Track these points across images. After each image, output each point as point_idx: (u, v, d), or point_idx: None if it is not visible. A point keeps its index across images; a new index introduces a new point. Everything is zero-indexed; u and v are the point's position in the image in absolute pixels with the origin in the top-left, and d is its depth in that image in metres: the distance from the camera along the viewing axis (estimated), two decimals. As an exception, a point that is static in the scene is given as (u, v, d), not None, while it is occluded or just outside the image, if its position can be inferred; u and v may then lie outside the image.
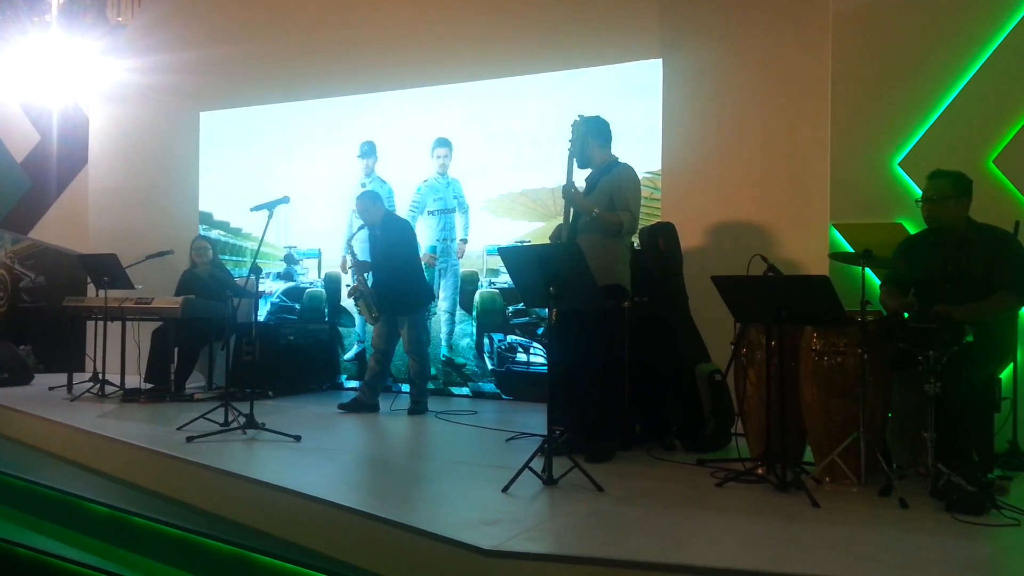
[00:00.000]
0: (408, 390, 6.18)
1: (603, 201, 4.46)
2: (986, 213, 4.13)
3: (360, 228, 6.14)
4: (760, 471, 3.92)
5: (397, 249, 5.96)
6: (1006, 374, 4.34)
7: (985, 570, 2.79)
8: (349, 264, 6.15)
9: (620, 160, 4.63)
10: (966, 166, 4.13)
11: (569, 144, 4.57)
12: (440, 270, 7.08)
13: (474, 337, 6.96)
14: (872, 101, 5.01)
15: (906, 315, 3.89)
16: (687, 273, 5.23)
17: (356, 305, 6.18)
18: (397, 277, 5.93)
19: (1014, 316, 4.18)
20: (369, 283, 6.07)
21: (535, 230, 6.67)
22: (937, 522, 3.26)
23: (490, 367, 6.88)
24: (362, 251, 6.25)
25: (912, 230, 4.65)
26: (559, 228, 4.73)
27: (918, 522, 3.27)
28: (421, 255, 7.06)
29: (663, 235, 5.21)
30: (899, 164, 4.90)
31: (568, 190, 4.46)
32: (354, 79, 7.53)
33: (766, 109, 5.83)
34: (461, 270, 7.05)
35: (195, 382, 6.93)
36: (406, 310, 5.92)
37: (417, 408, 5.99)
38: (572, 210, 4.54)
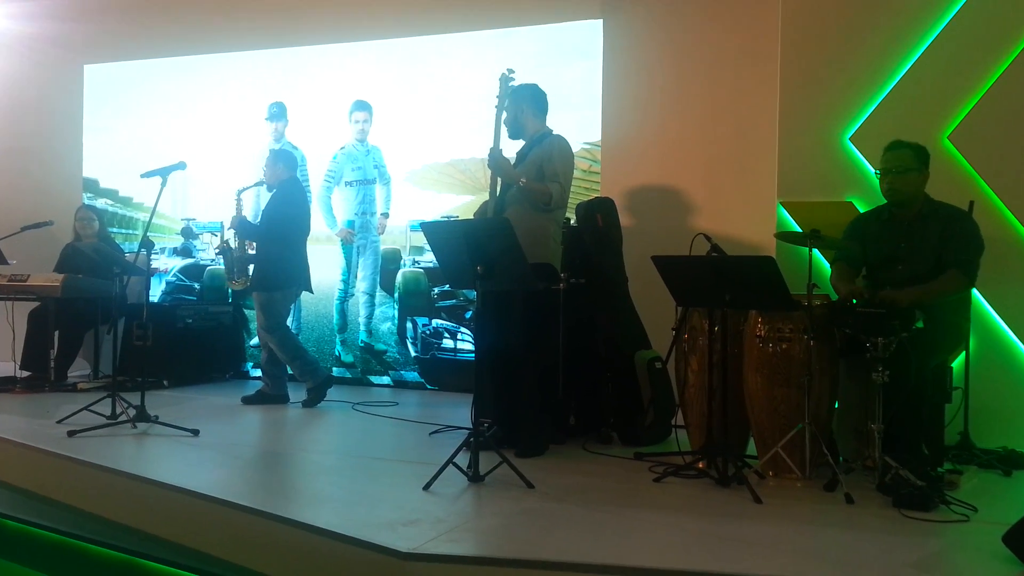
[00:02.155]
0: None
1: (532, 172, 4.48)
2: (940, 192, 4.27)
3: (256, 184, 6.08)
4: (701, 465, 4.01)
5: (277, 217, 5.85)
6: (957, 363, 4.50)
7: (932, 568, 2.90)
8: (232, 217, 6.04)
9: (554, 132, 4.65)
10: (920, 142, 4.25)
11: (497, 101, 4.56)
12: (359, 247, 7.02)
13: (396, 321, 6.93)
14: (822, 71, 5.12)
15: (854, 300, 4.01)
16: (627, 252, 5.29)
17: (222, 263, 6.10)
18: (265, 247, 5.85)
19: (966, 301, 4.34)
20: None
21: (463, 204, 6.67)
22: (884, 518, 3.37)
23: (413, 354, 6.87)
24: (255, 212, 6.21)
25: (862, 209, 4.78)
26: (484, 205, 4.74)
27: (864, 519, 3.38)
28: (337, 230, 7.03)
29: (601, 211, 5.26)
30: (850, 139, 5.02)
31: (495, 155, 4.46)
32: (262, 32, 7.38)
33: (713, 77, 5.92)
34: (382, 247, 7.00)
35: (78, 370, 6.77)
36: (262, 286, 5.80)
37: (314, 395, 5.86)
38: (499, 181, 4.55)
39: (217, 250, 6.04)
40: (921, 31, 4.91)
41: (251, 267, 5.99)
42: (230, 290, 7.43)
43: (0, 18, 8.37)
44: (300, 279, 5.93)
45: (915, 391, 3.78)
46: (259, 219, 6.14)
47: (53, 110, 8.28)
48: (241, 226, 5.94)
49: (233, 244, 5.95)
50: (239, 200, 6.01)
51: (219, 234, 5.99)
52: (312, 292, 6.17)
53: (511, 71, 4.60)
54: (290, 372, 5.99)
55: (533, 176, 4.46)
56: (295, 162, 6.12)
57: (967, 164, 4.79)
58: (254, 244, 6.03)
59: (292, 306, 6.18)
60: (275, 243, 5.81)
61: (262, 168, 6.01)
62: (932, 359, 4.00)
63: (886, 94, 4.97)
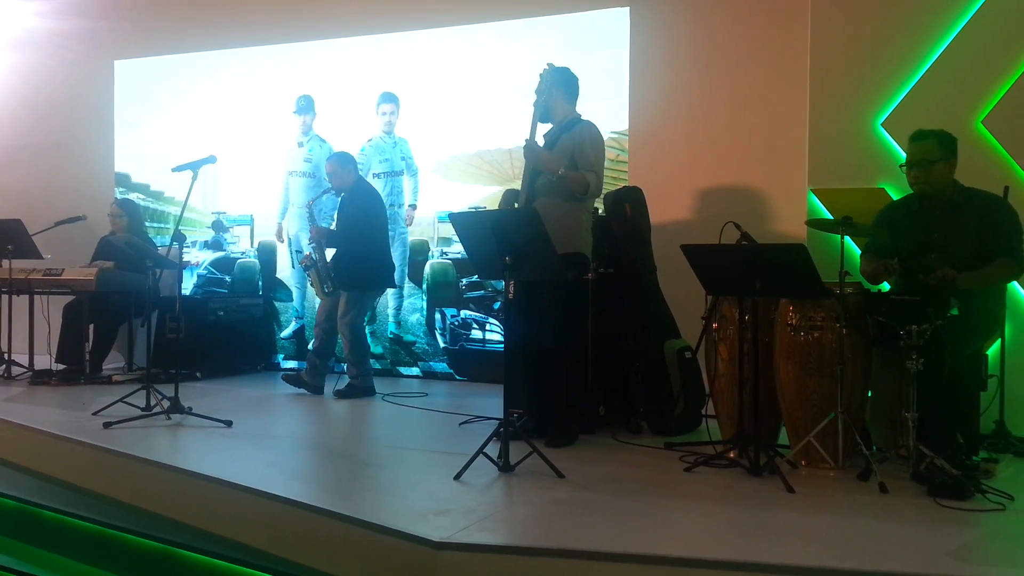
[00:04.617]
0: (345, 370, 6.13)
1: (564, 160, 4.46)
2: (975, 177, 4.20)
3: (324, 192, 6.23)
4: (732, 455, 3.99)
5: (359, 218, 5.91)
6: (993, 350, 4.44)
7: (967, 557, 2.87)
8: (311, 230, 6.15)
9: (583, 118, 4.63)
10: (953, 127, 4.18)
11: (536, 95, 4.55)
12: (386, 238, 7.04)
13: (424, 312, 6.95)
14: (854, 56, 5.06)
15: (886, 286, 3.96)
16: (656, 241, 5.27)
17: (307, 276, 6.18)
18: (353, 248, 5.89)
19: (1002, 288, 4.28)
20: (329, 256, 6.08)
21: (490, 195, 6.66)
22: (918, 507, 3.35)
23: (442, 345, 6.88)
24: (321, 216, 6.35)
25: (895, 195, 4.73)
26: (508, 194, 4.72)
27: (898, 508, 3.35)
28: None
29: (630, 200, 5.24)
30: (882, 124, 4.96)
31: (532, 146, 4.44)
32: (290, 25, 7.40)
33: (741, 63, 5.87)
34: (410, 239, 7.01)
35: (113, 362, 6.84)
36: (350, 284, 5.88)
37: (351, 391, 5.91)
38: (530, 170, 4.53)
39: (304, 265, 6.09)
40: (954, 14, 4.84)
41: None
42: (260, 282, 7.49)
43: (31, 16, 8.46)
44: (389, 277, 6.09)
45: (950, 379, 3.73)
46: (335, 224, 6.25)
47: (85, 106, 8.36)
48: (329, 237, 6.04)
49: (316, 256, 6.01)
50: (311, 212, 6.18)
51: (308, 252, 6.05)
52: (396, 287, 6.37)
53: (551, 65, 4.59)
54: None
55: (566, 164, 4.44)
56: (354, 161, 6.18)
57: (1002, 149, 4.72)
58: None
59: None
60: (360, 243, 5.87)
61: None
62: (967, 347, 3.95)
63: (918, 78, 4.90)
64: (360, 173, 6.19)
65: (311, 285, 6.20)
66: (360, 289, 5.91)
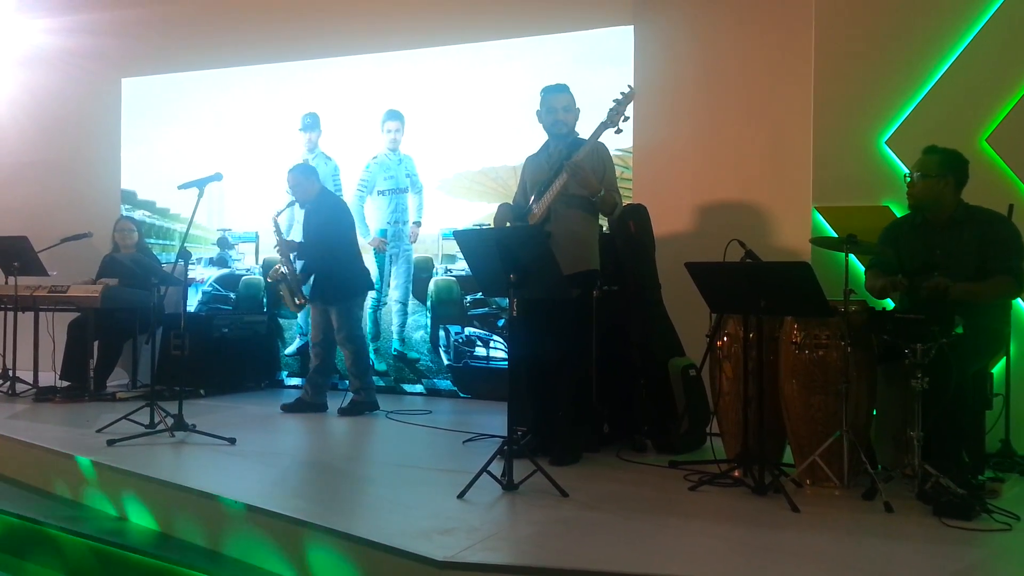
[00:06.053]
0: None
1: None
2: (979, 195, 4.20)
3: (289, 204, 6.13)
4: (736, 474, 3.98)
5: (327, 229, 5.89)
6: (998, 369, 4.43)
7: (973, 578, 2.87)
8: (274, 244, 6.09)
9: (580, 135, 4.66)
10: (958, 144, 4.19)
11: (610, 115, 4.56)
12: (391, 256, 7.06)
13: (428, 330, 6.95)
14: (857, 74, 5.07)
15: (891, 304, 3.96)
16: (660, 259, 5.27)
17: (278, 292, 6.10)
18: (326, 261, 5.88)
19: (1007, 306, 4.27)
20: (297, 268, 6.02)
21: (495, 212, 6.65)
22: (924, 527, 3.34)
23: (446, 362, 6.88)
24: (289, 230, 6.32)
25: (899, 213, 4.73)
26: (503, 208, 4.72)
27: (904, 527, 3.34)
28: (370, 239, 7.06)
29: (634, 217, 5.25)
30: (886, 142, 4.97)
31: (583, 167, 4.41)
32: (296, 43, 7.45)
33: (746, 82, 5.88)
34: (414, 256, 7.03)
35: (117, 379, 6.84)
36: (335, 298, 5.87)
37: (355, 408, 5.90)
38: (555, 189, 4.51)
39: (275, 280, 6.03)
40: (958, 32, 4.85)
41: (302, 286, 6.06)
42: (264, 299, 7.51)
43: (39, 33, 8.52)
44: (367, 281, 6.09)
45: (955, 398, 3.72)
46: (304, 237, 6.19)
47: (92, 123, 8.40)
48: (300, 249, 6.00)
49: (286, 270, 6.00)
50: (277, 224, 6.06)
51: (278, 266, 6.00)
52: (375, 288, 6.41)
53: (631, 87, 4.62)
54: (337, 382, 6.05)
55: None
56: (316, 172, 6.17)
57: (1006, 167, 4.72)
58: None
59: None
60: (332, 255, 5.85)
61: (288, 190, 6.02)
62: (972, 365, 3.94)
63: (922, 96, 4.91)
64: (335, 186, 6.16)
65: (283, 300, 6.12)
66: (344, 300, 5.88)
